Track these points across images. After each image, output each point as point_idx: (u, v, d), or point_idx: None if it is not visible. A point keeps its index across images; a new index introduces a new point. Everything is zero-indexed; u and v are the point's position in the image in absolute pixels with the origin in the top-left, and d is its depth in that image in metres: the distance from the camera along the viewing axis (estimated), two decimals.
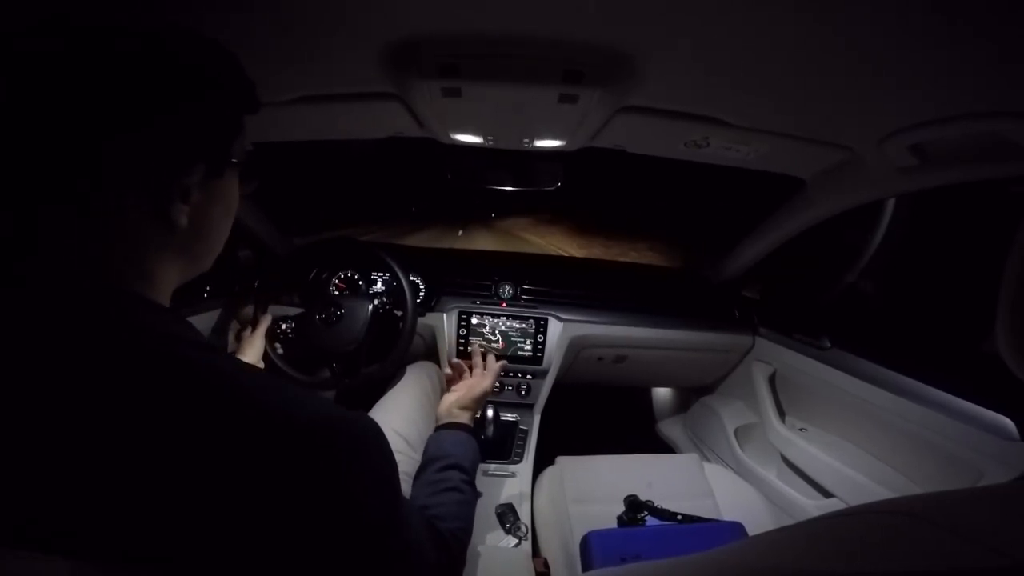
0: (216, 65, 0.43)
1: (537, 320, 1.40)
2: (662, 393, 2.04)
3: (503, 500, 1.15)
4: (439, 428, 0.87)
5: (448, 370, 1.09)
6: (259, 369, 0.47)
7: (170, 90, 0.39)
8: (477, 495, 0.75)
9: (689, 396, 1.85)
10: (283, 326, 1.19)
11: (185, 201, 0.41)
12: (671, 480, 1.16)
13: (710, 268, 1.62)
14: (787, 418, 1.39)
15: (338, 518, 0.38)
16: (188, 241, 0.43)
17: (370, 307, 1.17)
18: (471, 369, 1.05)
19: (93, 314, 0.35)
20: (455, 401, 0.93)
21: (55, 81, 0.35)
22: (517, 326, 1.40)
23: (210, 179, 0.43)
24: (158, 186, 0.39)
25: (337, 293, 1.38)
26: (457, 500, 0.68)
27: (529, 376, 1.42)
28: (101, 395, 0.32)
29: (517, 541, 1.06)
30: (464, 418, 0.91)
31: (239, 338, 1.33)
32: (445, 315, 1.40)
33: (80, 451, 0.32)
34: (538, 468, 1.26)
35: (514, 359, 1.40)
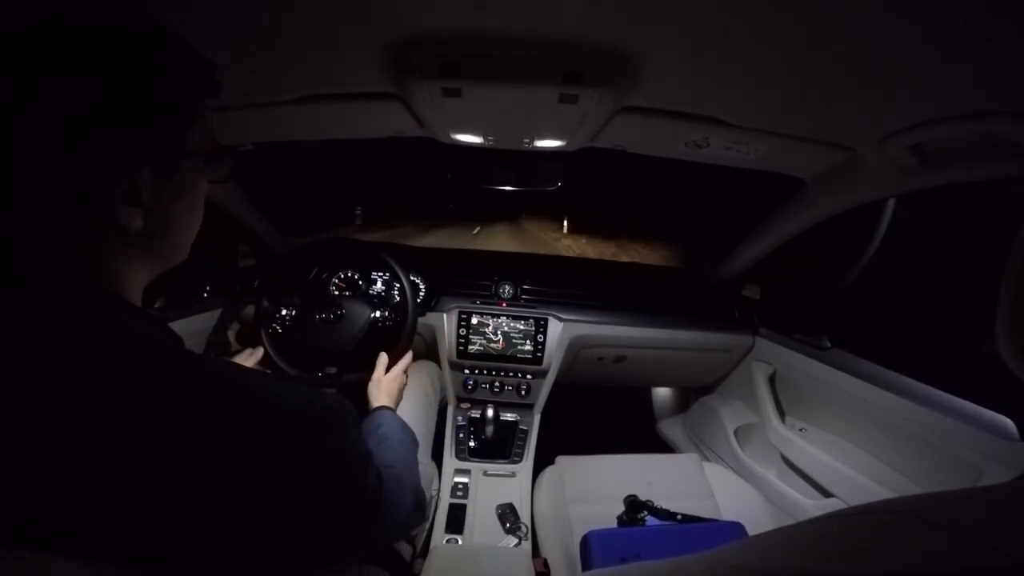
0: (159, 56, 0.39)
1: (537, 320, 1.40)
2: (662, 393, 2.04)
3: (503, 500, 1.15)
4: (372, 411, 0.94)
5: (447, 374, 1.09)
6: (237, 364, 0.47)
7: (103, 92, 0.36)
8: (408, 435, 0.85)
9: (689, 396, 1.85)
10: (283, 312, 1.19)
11: (134, 203, 0.39)
12: (671, 480, 1.17)
13: (710, 268, 1.62)
14: (787, 418, 1.39)
15: (329, 501, 0.42)
16: (151, 241, 0.42)
17: (371, 314, 1.17)
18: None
19: (65, 316, 0.35)
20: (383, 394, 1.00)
21: None
22: (517, 326, 1.40)
23: (162, 176, 0.40)
24: (97, 191, 0.37)
25: (337, 293, 1.38)
26: (393, 449, 0.77)
27: (529, 376, 1.42)
28: (90, 396, 0.33)
29: (517, 541, 1.06)
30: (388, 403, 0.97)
31: (239, 338, 1.33)
32: (445, 315, 1.40)
33: (76, 452, 0.32)
34: (538, 468, 1.26)
35: (514, 359, 1.40)
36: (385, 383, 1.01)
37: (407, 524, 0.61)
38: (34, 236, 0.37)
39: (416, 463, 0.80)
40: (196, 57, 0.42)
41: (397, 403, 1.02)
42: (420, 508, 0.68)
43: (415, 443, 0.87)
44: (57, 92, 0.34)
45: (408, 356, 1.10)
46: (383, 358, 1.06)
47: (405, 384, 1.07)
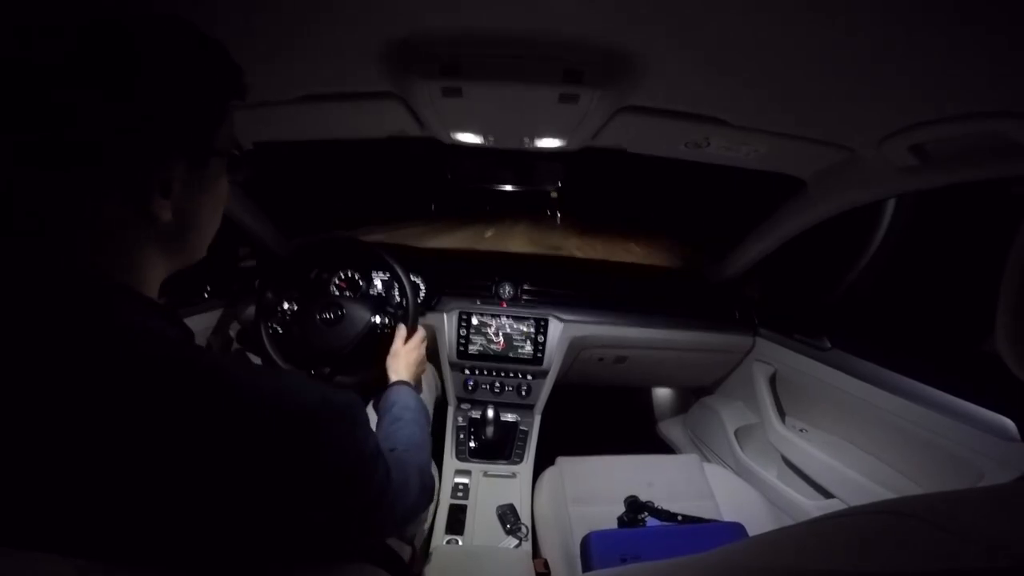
0: (193, 56, 0.41)
1: (537, 320, 1.40)
2: (662, 393, 2.04)
3: (504, 501, 1.15)
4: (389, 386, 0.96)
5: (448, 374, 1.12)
6: (245, 360, 0.48)
7: (141, 85, 0.37)
8: (421, 413, 0.87)
9: (689, 396, 1.85)
10: (285, 305, 1.19)
11: (166, 196, 0.40)
12: (671, 481, 1.16)
13: (710, 268, 1.62)
14: (787, 419, 1.39)
15: (336, 496, 0.42)
16: (175, 234, 0.43)
17: (371, 318, 1.17)
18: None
19: (81, 310, 0.35)
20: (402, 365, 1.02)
21: (20, 82, 0.34)
22: (518, 327, 1.40)
23: (193, 171, 0.42)
24: (135, 182, 0.38)
25: (338, 293, 1.38)
26: (406, 428, 0.79)
27: (529, 376, 1.42)
28: (94, 393, 0.33)
29: (518, 542, 1.06)
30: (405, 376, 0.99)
31: (240, 338, 1.33)
32: (445, 315, 1.40)
33: (79, 450, 0.32)
34: (538, 469, 1.26)
35: (514, 359, 1.40)
36: (404, 353, 1.02)
37: (414, 509, 0.62)
38: (63, 224, 0.37)
39: (428, 442, 0.81)
40: (228, 60, 0.44)
41: (416, 375, 1.03)
42: (427, 490, 0.68)
43: (428, 421, 0.88)
44: (105, 83, 0.36)
45: (422, 331, 1.13)
46: (402, 330, 1.08)
47: (424, 357, 1.09)
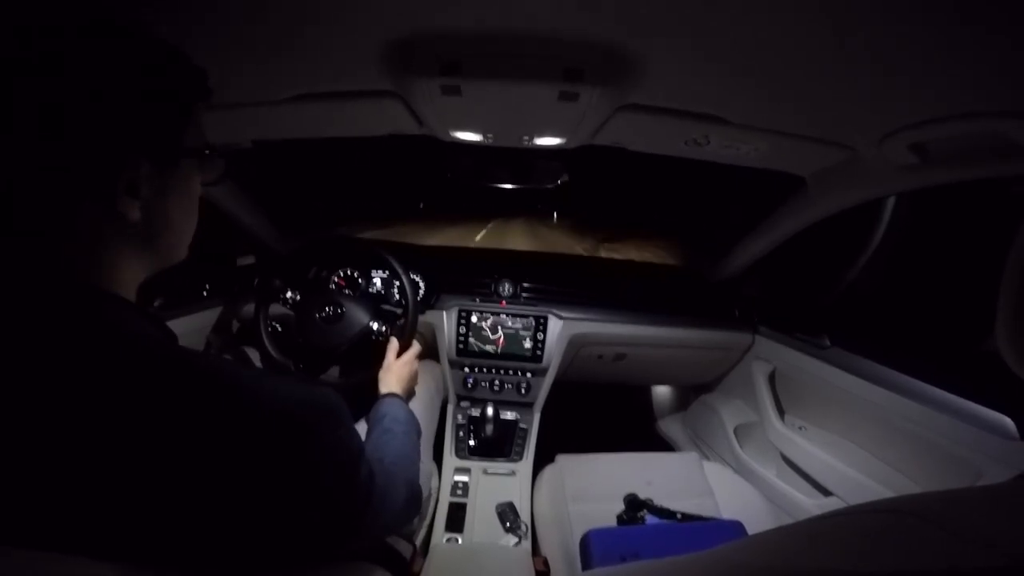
0: (159, 57, 0.42)
1: (537, 318, 1.40)
2: (662, 391, 2.04)
3: (503, 499, 1.15)
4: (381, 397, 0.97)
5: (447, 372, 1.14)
6: (230, 361, 0.49)
7: (108, 88, 0.38)
8: (412, 427, 0.89)
9: (689, 394, 1.85)
10: (289, 294, 1.20)
11: (134, 196, 0.41)
12: (671, 479, 1.17)
13: (710, 267, 1.62)
14: (787, 417, 1.39)
15: (319, 495, 0.42)
16: (147, 236, 0.44)
17: (369, 324, 1.16)
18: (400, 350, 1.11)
19: (62, 312, 0.36)
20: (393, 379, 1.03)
21: (8, 81, 0.35)
22: (517, 324, 1.40)
23: (160, 172, 0.43)
24: (102, 184, 0.39)
25: (335, 289, 1.38)
26: (395, 440, 0.80)
27: (529, 374, 1.42)
28: (85, 394, 0.33)
29: (517, 540, 1.06)
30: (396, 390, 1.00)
31: (240, 336, 1.33)
32: (445, 313, 1.40)
33: (72, 449, 0.32)
34: (538, 466, 1.26)
35: (514, 357, 1.41)
36: (396, 368, 1.02)
37: (399, 518, 0.63)
38: (36, 230, 0.38)
39: (417, 455, 0.81)
40: (190, 64, 0.45)
41: (407, 390, 1.03)
42: (414, 502, 0.69)
43: (418, 433, 0.88)
44: (61, 81, 0.36)
45: (417, 346, 1.13)
46: (394, 343, 1.07)
47: (416, 372, 1.09)
